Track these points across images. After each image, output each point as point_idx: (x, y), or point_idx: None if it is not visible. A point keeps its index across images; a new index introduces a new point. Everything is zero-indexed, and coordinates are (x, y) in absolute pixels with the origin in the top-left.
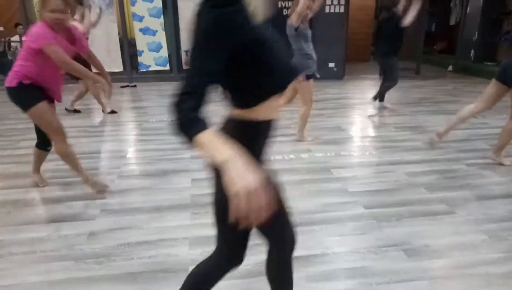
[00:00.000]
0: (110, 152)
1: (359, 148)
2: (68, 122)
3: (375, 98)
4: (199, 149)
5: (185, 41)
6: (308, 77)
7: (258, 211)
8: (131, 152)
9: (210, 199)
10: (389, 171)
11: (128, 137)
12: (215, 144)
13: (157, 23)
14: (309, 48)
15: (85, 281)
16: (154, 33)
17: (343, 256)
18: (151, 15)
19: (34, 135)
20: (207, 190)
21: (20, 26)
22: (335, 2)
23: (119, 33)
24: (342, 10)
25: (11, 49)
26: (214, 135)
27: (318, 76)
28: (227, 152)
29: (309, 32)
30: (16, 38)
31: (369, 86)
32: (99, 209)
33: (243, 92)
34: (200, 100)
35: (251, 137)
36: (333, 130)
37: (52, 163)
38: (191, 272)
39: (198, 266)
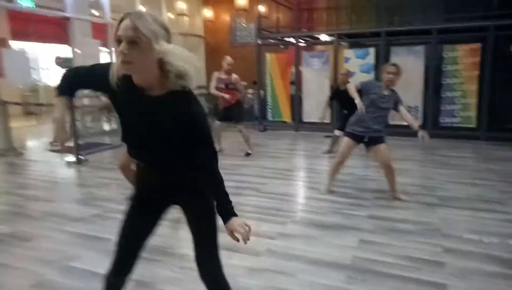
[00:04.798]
0: (294, 196)
1: None
2: (269, 164)
3: None
4: None
5: None
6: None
7: None
8: (310, 199)
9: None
10: None
11: (314, 185)
12: None
13: (366, 78)
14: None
15: None
16: None
17: None
18: (362, 71)
19: None
20: (372, 255)
21: (255, 85)
22: None
23: (331, 87)
24: None
25: (246, 99)
26: None
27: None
28: None
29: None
30: (250, 91)
31: None
32: (265, 247)
33: None
34: None
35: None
36: None
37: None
38: None
39: None
